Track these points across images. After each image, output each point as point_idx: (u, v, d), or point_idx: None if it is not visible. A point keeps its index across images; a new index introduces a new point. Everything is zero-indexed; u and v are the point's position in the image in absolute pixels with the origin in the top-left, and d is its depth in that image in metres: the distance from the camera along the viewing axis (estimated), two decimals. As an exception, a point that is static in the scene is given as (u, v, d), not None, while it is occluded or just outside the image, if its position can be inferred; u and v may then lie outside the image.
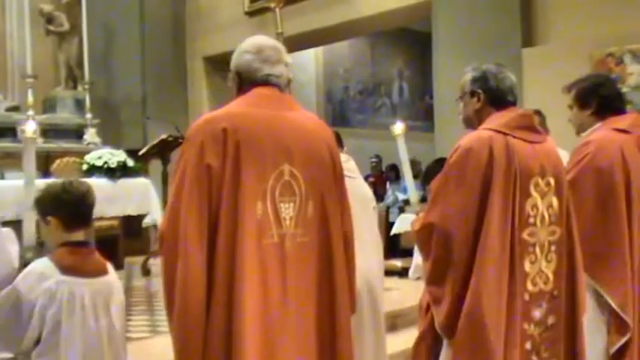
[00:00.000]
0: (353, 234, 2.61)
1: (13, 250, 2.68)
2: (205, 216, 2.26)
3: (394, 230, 8.87)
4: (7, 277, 2.57)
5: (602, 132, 3.27)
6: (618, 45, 5.95)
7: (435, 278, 2.65)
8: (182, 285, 2.24)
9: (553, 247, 2.69)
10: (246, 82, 2.51)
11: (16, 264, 2.57)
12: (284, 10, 9.93)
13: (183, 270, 2.24)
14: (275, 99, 2.47)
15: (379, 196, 10.14)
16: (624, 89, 5.93)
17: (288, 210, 2.37)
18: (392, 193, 10.99)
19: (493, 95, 2.78)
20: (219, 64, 10.84)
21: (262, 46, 2.52)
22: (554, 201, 2.71)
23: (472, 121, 2.82)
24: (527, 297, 2.63)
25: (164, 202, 7.93)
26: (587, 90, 3.34)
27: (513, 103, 2.81)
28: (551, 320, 2.68)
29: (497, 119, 2.72)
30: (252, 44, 2.53)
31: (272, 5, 4.14)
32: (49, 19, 10.25)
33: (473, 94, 2.82)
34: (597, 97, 3.31)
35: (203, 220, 2.26)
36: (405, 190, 11.29)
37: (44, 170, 8.84)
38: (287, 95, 2.54)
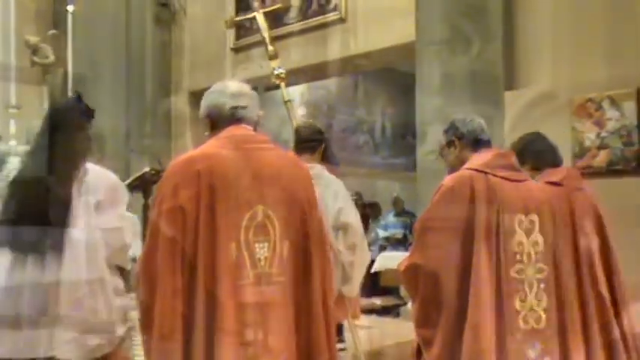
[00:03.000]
0: (332, 276, 2.62)
1: (130, 232, 3.07)
2: (179, 256, 2.28)
3: (374, 268, 8.85)
4: (119, 250, 3.00)
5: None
6: (598, 91, 6.04)
7: (423, 320, 2.67)
8: (160, 321, 2.24)
9: (542, 285, 2.72)
10: (217, 120, 2.55)
11: (128, 240, 3.02)
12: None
13: (161, 306, 2.25)
14: (249, 138, 2.51)
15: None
16: (603, 134, 6.04)
17: (262, 250, 2.38)
18: (372, 230, 11.00)
19: (467, 138, 2.96)
20: (203, 99, 10.84)
21: (225, 84, 2.61)
22: (540, 238, 2.75)
23: (456, 168, 2.91)
24: (519, 336, 2.64)
25: (144, 235, 7.88)
26: (521, 149, 3.41)
27: (488, 142, 2.96)
28: None
29: (478, 159, 2.81)
30: (215, 86, 2.62)
31: (277, 82, 4.26)
32: (35, 51, 10.27)
33: (449, 144, 3.00)
34: (531, 154, 3.39)
35: (177, 259, 2.28)
36: (385, 228, 11.31)
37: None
38: (260, 134, 2.58)
